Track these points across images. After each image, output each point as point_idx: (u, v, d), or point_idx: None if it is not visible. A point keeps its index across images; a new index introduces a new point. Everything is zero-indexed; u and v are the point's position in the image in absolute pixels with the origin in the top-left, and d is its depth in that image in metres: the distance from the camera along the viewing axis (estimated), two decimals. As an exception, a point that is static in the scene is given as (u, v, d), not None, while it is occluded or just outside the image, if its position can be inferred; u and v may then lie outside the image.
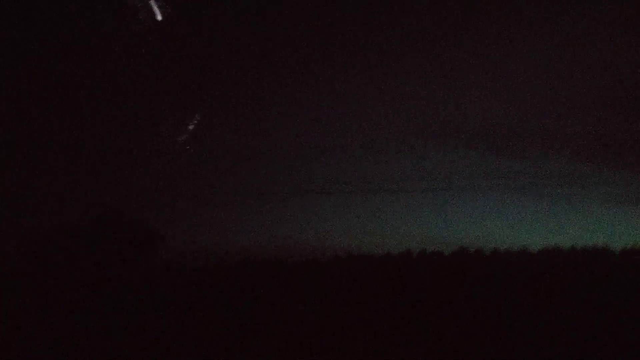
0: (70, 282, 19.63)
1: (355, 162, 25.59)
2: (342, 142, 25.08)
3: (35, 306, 19.04)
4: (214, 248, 21.99)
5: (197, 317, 17.17)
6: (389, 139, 25.01)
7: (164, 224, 20.17)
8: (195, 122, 21.74)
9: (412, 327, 13.51)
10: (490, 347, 11.42)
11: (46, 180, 21.98)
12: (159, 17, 20.07)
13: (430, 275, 19.15)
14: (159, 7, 20.13)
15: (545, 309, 13.75)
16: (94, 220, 19.95)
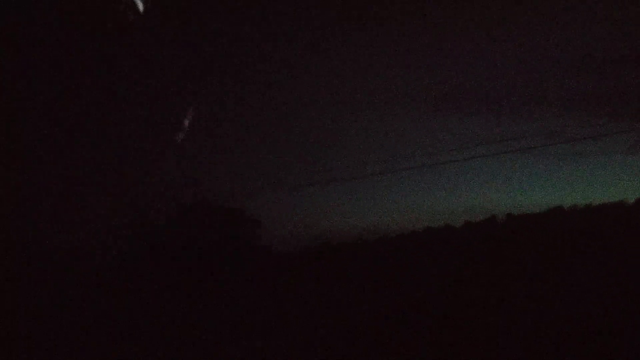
0: (175, 270, 20.73)
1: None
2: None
3: (147, 290, 20.10)
4: (303, 231, 23.48)
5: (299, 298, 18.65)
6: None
7: (258, 210, 21.44)
8: (190, 118, 21.84)
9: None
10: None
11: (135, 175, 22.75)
12: (141, 8, 19.54)
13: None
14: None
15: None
16: (191, 208, 21.11)
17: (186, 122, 21.30)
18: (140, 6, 19.93)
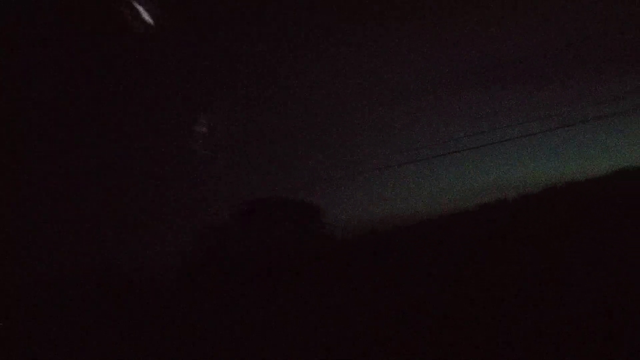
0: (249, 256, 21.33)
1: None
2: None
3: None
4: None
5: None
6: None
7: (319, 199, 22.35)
8: (204, 124, 22.78)
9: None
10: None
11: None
12: (149, 20, 20.44)
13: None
14: (148, 12, 20.55)
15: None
16: (261, 202, 21.85)
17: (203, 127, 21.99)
18: (146, 16, 20.55)
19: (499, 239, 19.85)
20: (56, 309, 18.51)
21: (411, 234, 24.00)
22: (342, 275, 19.33)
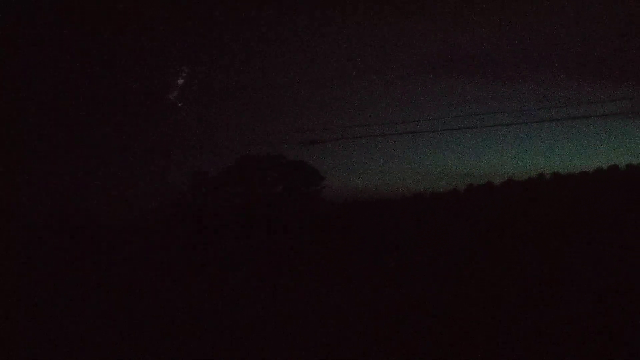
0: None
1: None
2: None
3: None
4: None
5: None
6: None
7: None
8: (184, 75, 22.25)
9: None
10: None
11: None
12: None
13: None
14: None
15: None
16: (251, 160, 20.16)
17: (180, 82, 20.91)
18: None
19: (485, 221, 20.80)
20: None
21: (404, 206, 23.80)
22: (332, 240, 18.61)
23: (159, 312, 9.01)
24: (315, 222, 18.56)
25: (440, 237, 18.94)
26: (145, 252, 18.79)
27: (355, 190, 24.25)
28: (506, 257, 14.74)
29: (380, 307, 9.03)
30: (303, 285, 11.53)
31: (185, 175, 19.81)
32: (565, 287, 10.27)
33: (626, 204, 18.62)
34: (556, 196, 23.03)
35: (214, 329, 8.18)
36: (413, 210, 24.52)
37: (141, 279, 13.29)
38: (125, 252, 19.26)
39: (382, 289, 10.46)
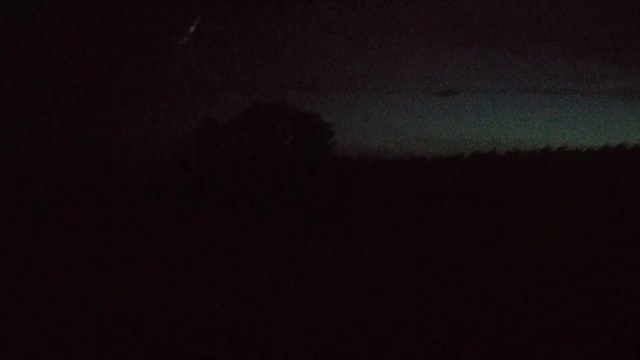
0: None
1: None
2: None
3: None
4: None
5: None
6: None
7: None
8: (197, 24, 21.91)
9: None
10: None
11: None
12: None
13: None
14: None
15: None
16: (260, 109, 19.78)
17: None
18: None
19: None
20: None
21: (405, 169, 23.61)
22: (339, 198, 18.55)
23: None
24: (324, 181, 18.43)
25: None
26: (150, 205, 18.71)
27: (357, 148, 23.80)
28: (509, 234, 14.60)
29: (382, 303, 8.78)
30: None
31: (196, 122, 19.51)
32: (569, 270, 10.05)
33: (634, 184, 18.34)
34: (562, 171, 22.71)
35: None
36: (415, 174, 24.28)
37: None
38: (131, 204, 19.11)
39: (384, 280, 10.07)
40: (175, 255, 11.76)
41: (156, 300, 8.23)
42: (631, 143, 21.00)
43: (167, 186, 19.57)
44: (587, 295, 8.31)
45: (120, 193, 19.06)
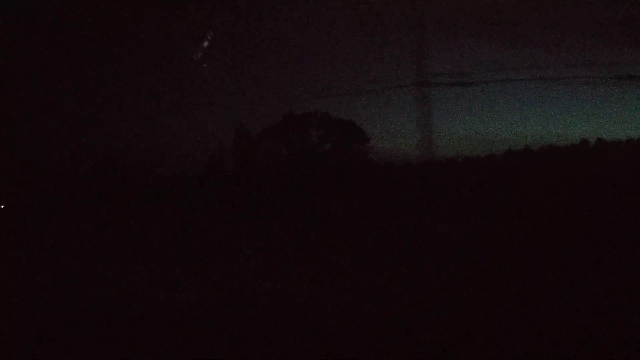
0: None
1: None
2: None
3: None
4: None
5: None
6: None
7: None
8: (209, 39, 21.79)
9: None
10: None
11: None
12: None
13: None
14: None
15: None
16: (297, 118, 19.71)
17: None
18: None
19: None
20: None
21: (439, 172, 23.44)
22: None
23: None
24: (363, 186, 18.30)
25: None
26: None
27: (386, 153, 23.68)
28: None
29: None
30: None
31: (227, 133, 19.56)
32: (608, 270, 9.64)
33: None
34: (601, 164, 22.14)
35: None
36: (449, 176, 24.05)
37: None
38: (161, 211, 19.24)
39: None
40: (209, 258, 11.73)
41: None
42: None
43: (202, 192, 19.68)
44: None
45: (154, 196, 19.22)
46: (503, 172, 24.28)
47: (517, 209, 16.97)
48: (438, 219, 16.65)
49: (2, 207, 21.41)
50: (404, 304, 7.13)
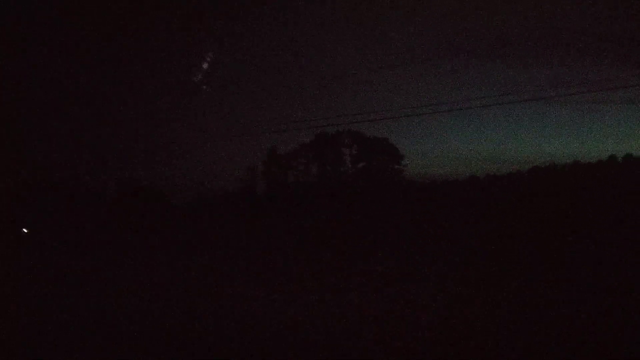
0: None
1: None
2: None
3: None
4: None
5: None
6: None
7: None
8: (209, 60, 21.91)
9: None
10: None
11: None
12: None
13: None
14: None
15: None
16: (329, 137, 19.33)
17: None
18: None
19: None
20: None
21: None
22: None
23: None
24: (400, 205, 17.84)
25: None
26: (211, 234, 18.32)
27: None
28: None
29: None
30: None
31: (259, 154, 19.27)
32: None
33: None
34: (628, 180, 22.30)
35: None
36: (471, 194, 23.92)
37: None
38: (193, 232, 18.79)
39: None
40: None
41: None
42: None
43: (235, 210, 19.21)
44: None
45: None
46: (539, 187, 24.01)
47: (546, 223, 16.76)
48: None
49: (25, 230, 20.94)
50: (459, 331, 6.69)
